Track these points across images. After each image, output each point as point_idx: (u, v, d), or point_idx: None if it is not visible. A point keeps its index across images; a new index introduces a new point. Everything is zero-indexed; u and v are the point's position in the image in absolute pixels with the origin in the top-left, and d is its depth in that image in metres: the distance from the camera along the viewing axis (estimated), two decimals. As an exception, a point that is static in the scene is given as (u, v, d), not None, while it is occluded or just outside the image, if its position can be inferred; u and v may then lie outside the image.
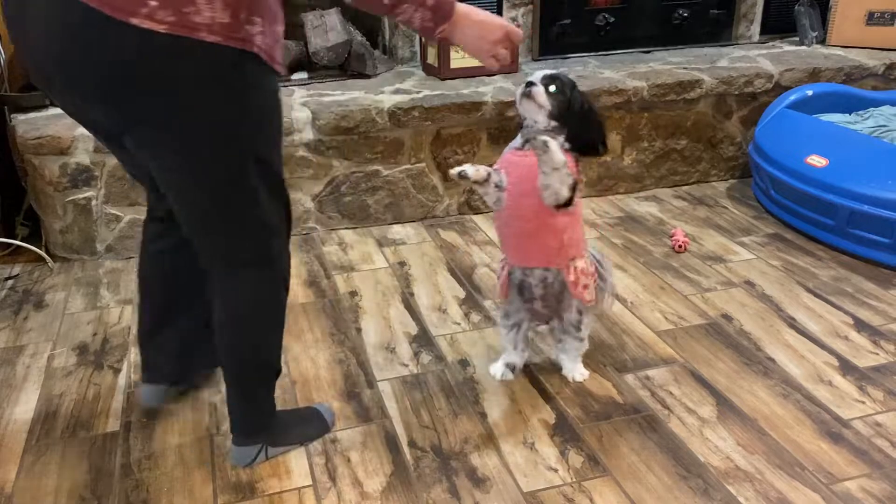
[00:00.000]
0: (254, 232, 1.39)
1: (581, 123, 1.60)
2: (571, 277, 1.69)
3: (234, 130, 1.27)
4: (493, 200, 1.67)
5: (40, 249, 2.50)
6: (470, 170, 1.61)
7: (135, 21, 1.13)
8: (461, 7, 1.42)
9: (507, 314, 1.82)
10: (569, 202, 1.60)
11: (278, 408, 1.66)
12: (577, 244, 1.69)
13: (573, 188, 1.59)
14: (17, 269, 2.48)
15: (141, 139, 1.30)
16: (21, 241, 2.51)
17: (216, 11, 1.15)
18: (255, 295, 1.46)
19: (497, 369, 1.86)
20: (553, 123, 1.59)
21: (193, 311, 1.69)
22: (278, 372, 1.57)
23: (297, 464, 1.60)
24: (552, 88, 1.58)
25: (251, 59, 1.22)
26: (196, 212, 1.37)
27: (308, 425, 1.67)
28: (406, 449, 1.64)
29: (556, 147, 1.53)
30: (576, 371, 1.85)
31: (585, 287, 1.71)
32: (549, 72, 1.60)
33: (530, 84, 1.58)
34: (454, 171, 1.60)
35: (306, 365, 1.93)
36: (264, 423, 1.59)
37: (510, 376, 1.84)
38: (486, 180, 1.63)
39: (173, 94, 1.21)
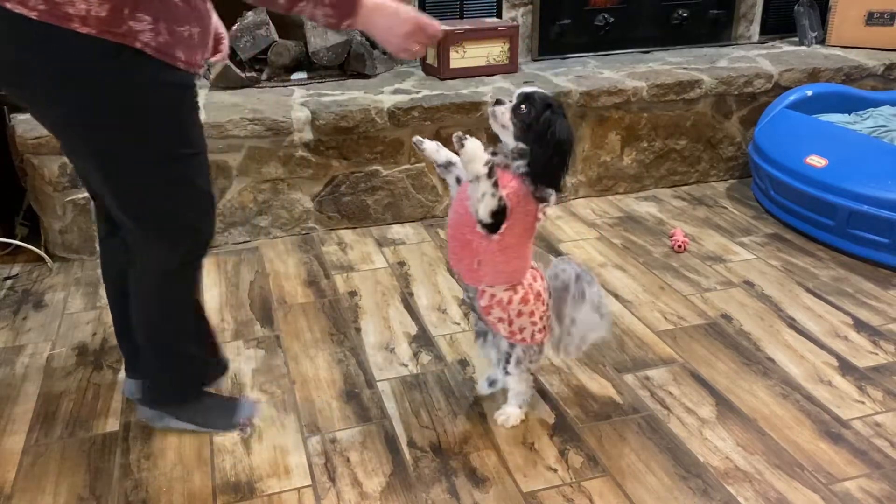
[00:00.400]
0: (148, 215, 1.43)
1: (542, 150, 1.45)
2: (482, 302, 1.57)
3: (107, 119, 1.29)
4: (452, 194, 1.61)
5: (40, 249, 2.50)
6: (430, 145, 1.57)
7: (8, 6, 1.17)
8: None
9: (475, 321, 1.73)
10: (489, 226, 1.46)
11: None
12: (497, 275, 1.55)
13: (497, 214, 1.43)
14: (16, 269, 2.47)
15: (39, 122, 1.37)
16: (20, 240, 2.51)
17: (92, 5, 1.18)
18: (147, 275, 1.52)
19: (481, 386, 1.81)
20: (520, 145, 1.47)
21: None
22: (186, 356, 1.62)
23: (297, 464, 1.60)
24: (522, 108, 1.45)
25: (133, 54, 1.24)
26: (99, 190, 1.44)
27: (216, 414, 1.71)
28: (405, 449, 1.64)
29: (475, 151, 1.39)
30: (503, 411, 1.71)
31: (501, 320, 1.57)
32: (531, 89, 1.48)
33: (499, 102, 1.48)
34: (416, 138, 1.57)
35: (306, 365, 1.93)
36: (164, 397, 1.66)
37: (486, 391, 1.79)
38: (445, 167, 1.58)
39: (50, 81, 1.24)
